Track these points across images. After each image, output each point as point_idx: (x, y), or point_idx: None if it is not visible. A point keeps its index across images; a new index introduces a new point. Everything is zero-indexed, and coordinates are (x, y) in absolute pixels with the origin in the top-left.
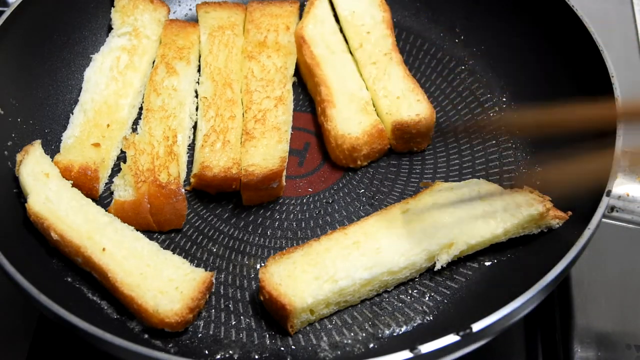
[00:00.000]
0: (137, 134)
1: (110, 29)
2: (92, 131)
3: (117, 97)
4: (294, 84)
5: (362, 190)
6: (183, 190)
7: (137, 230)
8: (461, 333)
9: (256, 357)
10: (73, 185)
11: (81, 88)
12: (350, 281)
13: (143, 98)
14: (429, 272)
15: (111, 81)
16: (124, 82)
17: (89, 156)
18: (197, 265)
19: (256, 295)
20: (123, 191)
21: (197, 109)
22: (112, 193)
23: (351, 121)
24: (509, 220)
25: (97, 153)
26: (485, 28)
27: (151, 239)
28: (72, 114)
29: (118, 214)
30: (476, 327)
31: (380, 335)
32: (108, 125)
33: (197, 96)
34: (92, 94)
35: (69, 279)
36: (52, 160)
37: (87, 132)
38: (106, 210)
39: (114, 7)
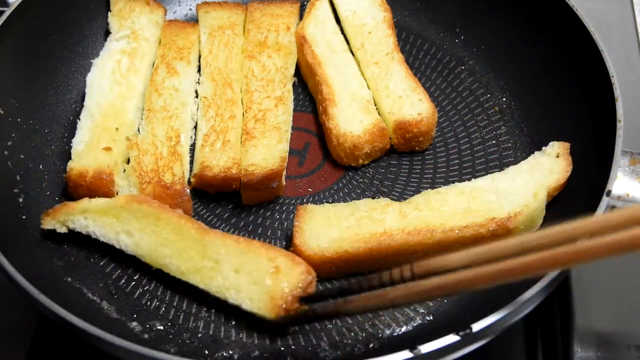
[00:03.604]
0: (139, 134)
1: (109, 31)
2: (102, 135)
3: (122, 100)
4: (294, 84)
5: (362, 190)
6: (188, 190)
7: None
8: (461, 333)
9: (256, 357)
10: (89, 190)
11: (81, 89)
12: None
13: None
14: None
15: (114, 85)
16: (128, 85)
17: (102, 160)
18: None
19: None
20: (128, 192)
21: (198, 109)
22: (116, 194)
23: (353, 120)
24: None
25: (110, 157)
26: (485, 28)
27: None
28: (79, 119)
29: None
30: (476, 327)
31: (380, 335)
32: (117, 129)
33: (197, 96)
34: (97, 98)
35: (69, 279)
36: (52, 162)
37: (97, 136)
38: None
39: (110, 11)
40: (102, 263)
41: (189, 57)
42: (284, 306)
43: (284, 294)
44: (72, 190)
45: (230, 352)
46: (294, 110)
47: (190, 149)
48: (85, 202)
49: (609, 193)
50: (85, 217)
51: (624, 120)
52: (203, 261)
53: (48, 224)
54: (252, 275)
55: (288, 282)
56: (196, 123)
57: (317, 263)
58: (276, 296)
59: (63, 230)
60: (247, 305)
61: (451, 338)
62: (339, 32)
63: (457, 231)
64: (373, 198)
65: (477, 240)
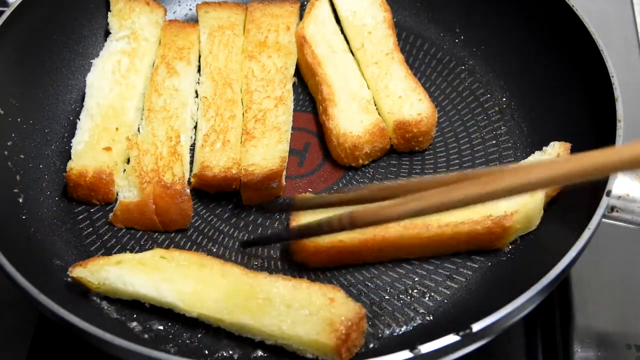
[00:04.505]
0: (139, 134)
1: (109, 31)
2: (102, 135)
3: (122, 100)
4: (294, 84)
5: None
6: (188, 190)
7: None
8: (461, 333)
9: (256, 357)
10: (89, 190)
11: (81, 89)
12: None
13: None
14: (429, 272)
15: (114, 85)
16: (128, 85)
17: (102, 160)
18: None
19: None
20: (128, 192)
21: (198, 109)
22: (116, 194)
23: (353, 120)
24: None
25: (110, 157)
26: (485, 28)
27: (151, 239)
28: (79, 119)
29: (123, 215)
30: (476, 327)
31: (380, 335)
32: (117, 129)
33: (197, 96)
34: (97, 98)
35: (69, 279)
36: (52, 162)
37: (97, 136)
38: (111, 212)
39: (110, 11)
40: None
41: (189, 57)
42: (343, 331)
43: (342, 320)
44: (72, 190)
45: (230, 352)
46: (294, 110)
47: (190, 149)
48: (120, 255)
49: (609, 193)
50: (119, 266)
51: (624, 120)
52: (253, 299)
53: (78, 272)
54: (308, 308)
55: (344, 312)
56: (196, 123)
57: (312, 252)
58: (335, 322)
59: (93, 280)
60: (303, 335)
61: (451, 338)
62: (339, 32)
63: (452, 226)
64: None
65: (472, 236)
